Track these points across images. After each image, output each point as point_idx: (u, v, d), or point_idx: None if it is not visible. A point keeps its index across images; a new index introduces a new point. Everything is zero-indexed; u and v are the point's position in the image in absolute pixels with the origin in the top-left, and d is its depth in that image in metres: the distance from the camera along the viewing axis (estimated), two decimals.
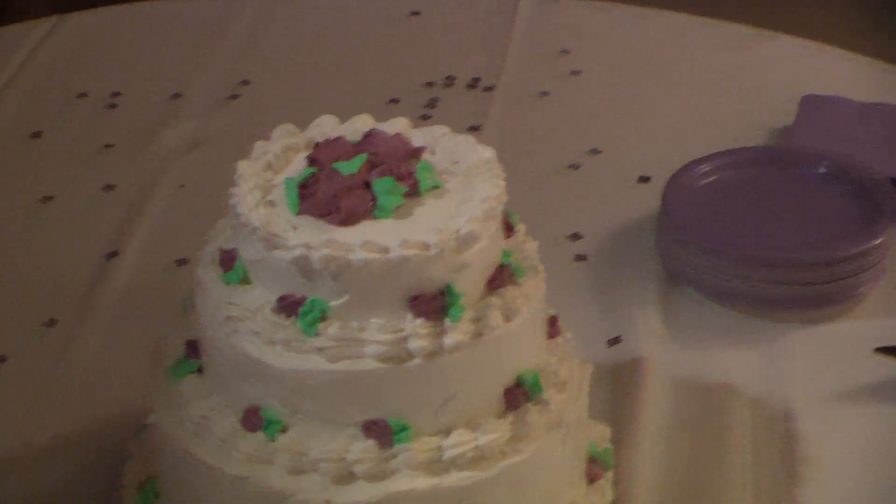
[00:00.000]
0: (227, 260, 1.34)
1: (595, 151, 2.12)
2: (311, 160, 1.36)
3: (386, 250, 1.26)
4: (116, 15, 2.59)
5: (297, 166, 1.38)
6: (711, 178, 1.91)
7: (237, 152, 1.40)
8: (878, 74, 2.31)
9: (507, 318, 1.32)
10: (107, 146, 2.16)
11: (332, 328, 1.27)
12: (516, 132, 2.17)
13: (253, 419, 1.31)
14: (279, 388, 1.29)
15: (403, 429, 1.29)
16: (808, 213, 1.85)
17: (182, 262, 1.85)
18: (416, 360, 1.28)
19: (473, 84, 2.31)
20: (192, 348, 1.38)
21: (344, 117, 1.45)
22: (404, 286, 1.28)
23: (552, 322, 1.44)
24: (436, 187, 1.35)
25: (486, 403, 1.33)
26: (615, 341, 1.73)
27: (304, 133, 1.42)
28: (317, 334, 1.27)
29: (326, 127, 1.43)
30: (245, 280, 1.32)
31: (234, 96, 2.30)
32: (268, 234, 1.28)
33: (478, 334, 1.29)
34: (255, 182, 1.34)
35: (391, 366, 1.27)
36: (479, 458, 1.30)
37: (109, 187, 2.05)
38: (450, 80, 2.32)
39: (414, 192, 1.34)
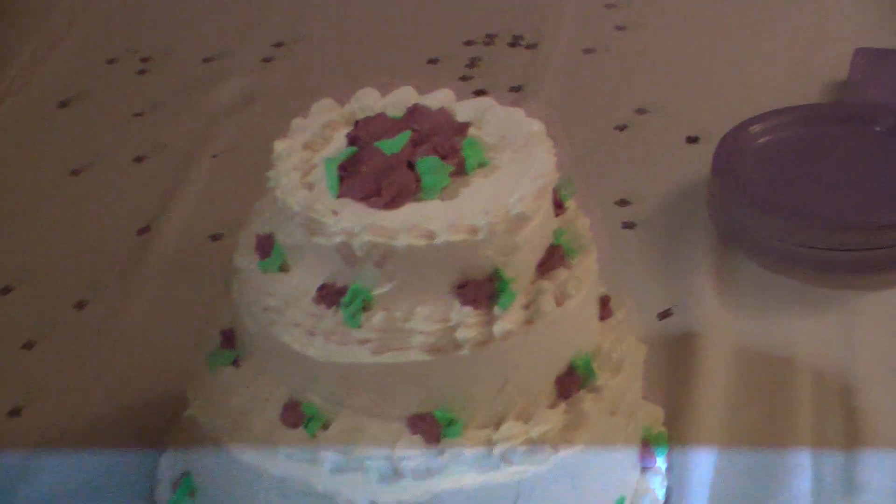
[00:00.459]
0: (264, 246, 1.30)
1: (642, 111, 2.08)
2: (352, 139, 1.32)
3: (432, 235, 1.23)
4: None
5: (338, 144, 1.34)
6: (767, 139, 1.86)
7: (272, 120, 1.36)
8: None
9: (559, 303, 1.28)
10: (136, 115, 2.11)
11: (375, 318, 1.24)
12: (560, 92, 2.13)
13: (293, 414, 1.28)
14: (320, 382, 1.27)
15: (452, 422, 1.26)
16: (871, 171, 1.80)
17: (216, 237, 1.81)
18: (465, 351, 1.24)
19: (515, 42, 2.26)
20: (228, 338, 1.35)
21: (382, 79, 1.41)
22: (452, 273, 1.25)
23: (604, 302, 1.40)
24: (483, 165, 1.31)
25: (537, 393, 1.30)
26: (665, 314, 1.69)
27: (345, 107, 1.38)
28: (360, 325, 1.24)
29: (367, 101, 1.39)
30: (284, 267, 1.29)
31: (268, 59, 2.25)
32: (308, 219, 1.24)
33: (529, 322, 1.26)
34: (293, 162, 1.31)
35: (438, 357, 1.24)
36: (531, 451, 1.27)
37: (139, 159, 2.00)
38: (490, 39, 2.27)
39: (460, 171, 1.30)
